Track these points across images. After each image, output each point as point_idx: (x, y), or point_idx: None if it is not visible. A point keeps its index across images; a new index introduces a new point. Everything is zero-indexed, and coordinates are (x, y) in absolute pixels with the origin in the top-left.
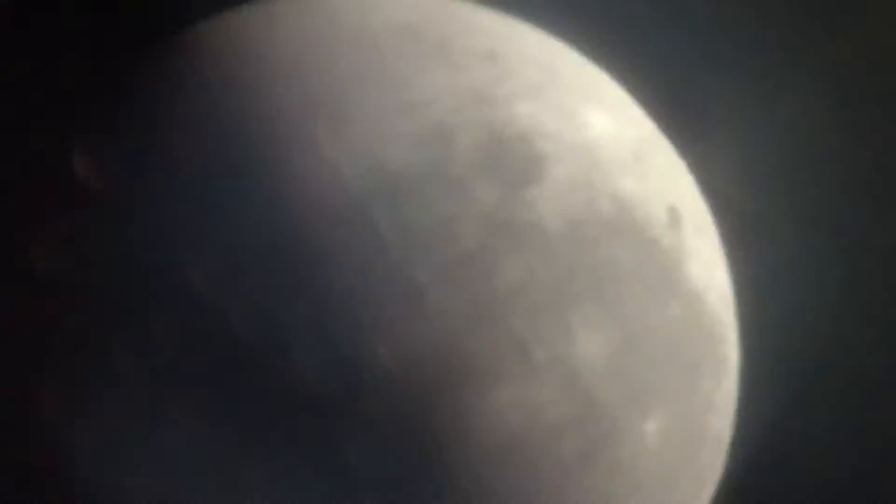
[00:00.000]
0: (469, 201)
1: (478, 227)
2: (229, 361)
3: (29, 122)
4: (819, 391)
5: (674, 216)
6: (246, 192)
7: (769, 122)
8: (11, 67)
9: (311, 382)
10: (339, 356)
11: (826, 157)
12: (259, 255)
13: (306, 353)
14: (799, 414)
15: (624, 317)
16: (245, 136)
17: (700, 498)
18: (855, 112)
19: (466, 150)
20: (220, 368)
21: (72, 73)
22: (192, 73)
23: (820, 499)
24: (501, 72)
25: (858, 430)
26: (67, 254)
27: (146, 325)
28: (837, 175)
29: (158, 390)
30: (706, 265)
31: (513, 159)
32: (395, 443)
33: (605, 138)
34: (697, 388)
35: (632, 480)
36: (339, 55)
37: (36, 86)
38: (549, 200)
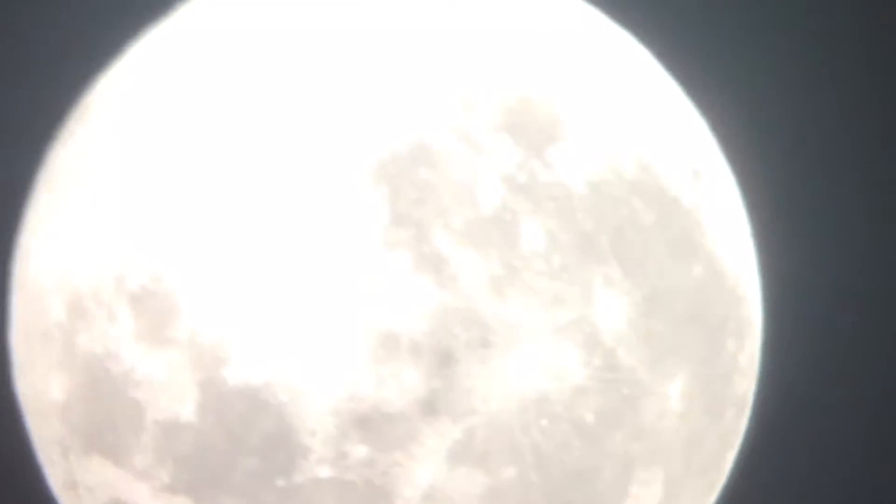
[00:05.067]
0: (490, 164)
1: (499, 190)
2: None
3: None
4: (843, 351)
5: (695, 176)
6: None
7: (795, 84)
8: None
9: None
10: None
11: (851, 120)
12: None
13: None
14: (822, 375)
15: (647, 277)
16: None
17: (723, 460)
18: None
19: (488, 113)
20: None
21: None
22: None
23: (844, 459)
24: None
25: (883, 392)
26: None
27: None
28: (862, 137)
29: None
30: (728, 225)
31: (534, 121)
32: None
33: (628, 99)
34: (721, 349)
35: (655, 443)
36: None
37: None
38: (571, 161)
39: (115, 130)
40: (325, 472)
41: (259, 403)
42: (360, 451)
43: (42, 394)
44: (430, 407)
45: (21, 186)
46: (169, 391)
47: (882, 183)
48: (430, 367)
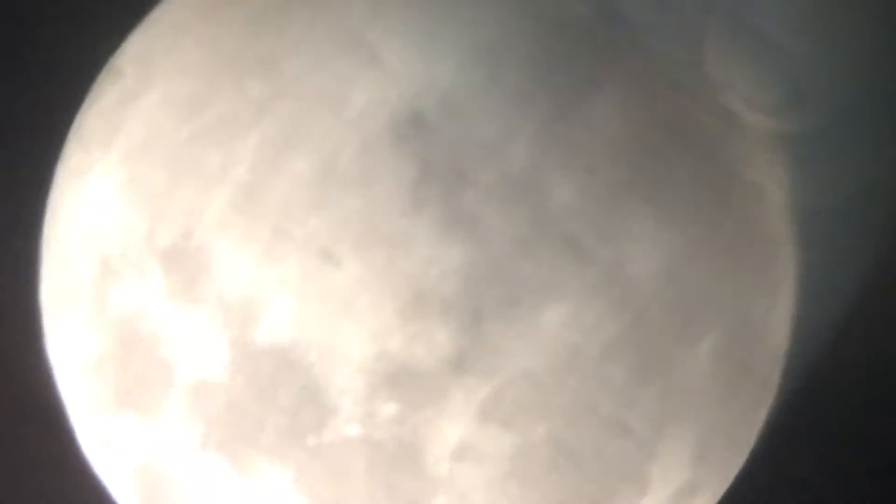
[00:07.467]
0: (520, 117)
1: (529, 144)
2: None
3: None
4: (877, 306)
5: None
6: None
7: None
8: None
9: None
10: None
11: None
12: None
13: None
14: (857, 330)
15: (681, 230)
16: None
17: (755, 417)
18: None
19: (519, 63)
20: None
21: None
22: None
23: (880, 417)
24: None
25: None
26: None
27: None
28: None
29: None
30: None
31: (568, 70)
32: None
33: (661, 39)
34: (754, 304)
35: (685, 400)
36: None
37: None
38: (604, 112)
39: (145, 88)
40: (354, 430)
41: (288, 362)
42: (389, 408)
43: (73, 353)
44: (459, 365)
45: (51, 145)
46: (199, 350)
47: None
48: (459, 324)
